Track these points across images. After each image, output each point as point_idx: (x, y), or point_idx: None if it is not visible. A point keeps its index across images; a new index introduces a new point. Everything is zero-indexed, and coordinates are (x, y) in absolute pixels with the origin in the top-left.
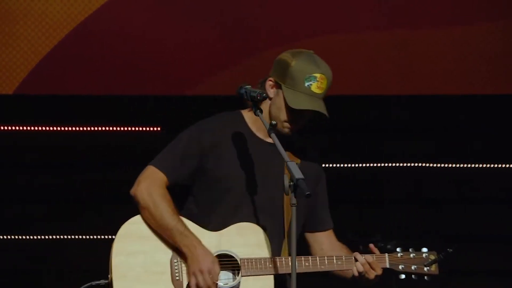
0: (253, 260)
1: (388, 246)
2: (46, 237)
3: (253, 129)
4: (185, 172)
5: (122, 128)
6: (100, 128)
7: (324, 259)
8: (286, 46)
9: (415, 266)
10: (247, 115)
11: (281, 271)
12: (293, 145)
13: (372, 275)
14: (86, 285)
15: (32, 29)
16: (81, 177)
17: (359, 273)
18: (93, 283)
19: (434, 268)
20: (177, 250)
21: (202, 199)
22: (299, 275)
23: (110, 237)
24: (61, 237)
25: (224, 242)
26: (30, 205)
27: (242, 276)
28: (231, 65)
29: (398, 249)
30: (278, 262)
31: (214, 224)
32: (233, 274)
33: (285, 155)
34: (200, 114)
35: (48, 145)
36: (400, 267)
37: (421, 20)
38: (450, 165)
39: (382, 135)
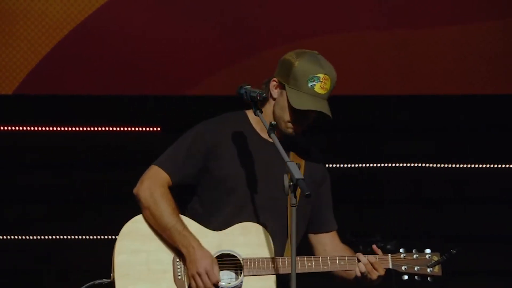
0: (256, 260)
1: (388, 246)
2: (46, 237)
3: (257, 129)
4: (189, 172)
5: (122, 128)
6: (100, 128)
7: (327, 260)
8: (286, 46)
9: (418, 267)
10: (252, 115)
11: (284, 271)
12: (298, 146)
13: (374, 275)
14: (88, 284)
15: (32, 29)
16: (81, 177)
17: (362, 273)
18: (96, 282)
19: (437, 269)
20: (179, 250)
21: (206, 198)
22: (302, 275)
23: (110, 237)
24: (61, 237)
25: (227, 242)
26: (30, 205)
27: (244, 275)
28: (231, 65)
29: (401, 250)
30: (280, 262)
31: (218, 223)
32: (236, 273)
33: (285, 155)
34: (200, 114)
35: (48, 145)
36: (403, 268)
37: (421, 20)
38: (450, 165)
39: (382, 135)
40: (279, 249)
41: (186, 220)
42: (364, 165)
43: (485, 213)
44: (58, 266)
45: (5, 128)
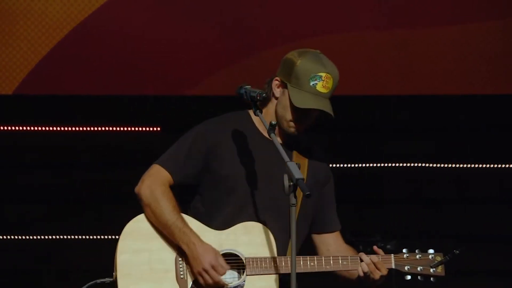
0: (258, 259)
1: (388, 246)
2: (46, 237)
3: (260, 128)
4: (189, 172)
5: (121, 128)
6: (99, 128)
7: (330, 259)
8: (286, 46)
9: (421, 267)
10: (259, 114)
11: (286, 270)
12: (301, 145)
13: (377, 275)
14: (90, 283)
15: (32, 29)
16: (81, 177)
17: (364, 273)
18: (98, 281)
19: (440, 270)
20: (181, 248)
21: (208, 198)
22: (304, 275)
23: (110, 237)
24: (61, 237)
25: (229, 241)
26: (30, 205)
27: (247, 275)
28: (230, 65)
29: (404, 250)
30: (283, 262)
31: (220, 223)
32: (238, 273)
33: (285, 155)
34: (199, 114)
35: (48, 145)
36: (406, 268)
37: (421, 20)
38: (450, 165)
39: (382, 135)
40: (281, 249)
41: (189, 219)
42: (364, 165)
43: (485, 213)
44: (58, 266)
45: (5, 128)
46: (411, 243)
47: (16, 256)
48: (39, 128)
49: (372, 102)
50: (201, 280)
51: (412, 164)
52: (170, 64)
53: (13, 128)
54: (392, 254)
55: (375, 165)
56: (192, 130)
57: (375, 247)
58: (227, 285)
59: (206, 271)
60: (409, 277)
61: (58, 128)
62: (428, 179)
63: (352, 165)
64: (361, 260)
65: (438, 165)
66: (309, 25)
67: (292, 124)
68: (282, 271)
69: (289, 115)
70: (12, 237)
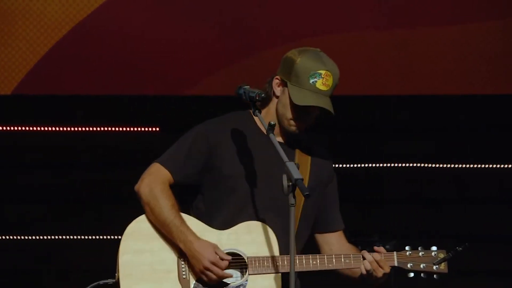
0: (261, 258)
1: (387, 247)
2: (46, 237)
3: (262, 128)
4: (190, 172)
5: (120, 128)
6: (99, 128)
7: (332, 258)
8: (286, 46)
9: (424, 265)
10: (258, 115)
11: (289, 269)
12: (304, 144)
13: (380, 273)
14: (93, 284)
15: (31, 29)
16: (81, 177)
17: (367, 271)
18: (101, 282)
19: (443, 267)
20: (177, 245)
21: (209, 198)
22: (307, 273)
23: (110, 237)
24: (61, 237)
25: (231, 241)
26: (30, 205)
27: (249, 274)
28: (230, 65)
29: (407, 248)
30: (285, 261)
31: (221, 222)
32: (241, 272)
33: (284, 155)
34: (199, 114)
35: (48, 145)
36: (408, 265)
37: (421, 20)
38: (450, 165)
39: (382, 135)
40: (283, 248)
41: (191, 219)
42: (364, 165)
43: (485, 213)
44: (58, 266)
45: (5, 128)
46: (411, 243)
47: (16, 256)
48: (39, 128)
49: (372, 102)
50: (205, 278)
51: (412, 164)
52: (169, 64)
53: (13, 128)
54: (395, 252)
55: (375, 165)
56: (192, 129)
57: (375, 248)
58: (231, 276)
59: (208, 269)
60: (412, 274)
61: (58, 128)
62: (428, 179)
63: (352, 165)
64: (364, 258)
65: (438, 165)
66: (309, 25)
67: (292, 122)
68: (285, 270)
69: (289, 113)
70: (12, 237)
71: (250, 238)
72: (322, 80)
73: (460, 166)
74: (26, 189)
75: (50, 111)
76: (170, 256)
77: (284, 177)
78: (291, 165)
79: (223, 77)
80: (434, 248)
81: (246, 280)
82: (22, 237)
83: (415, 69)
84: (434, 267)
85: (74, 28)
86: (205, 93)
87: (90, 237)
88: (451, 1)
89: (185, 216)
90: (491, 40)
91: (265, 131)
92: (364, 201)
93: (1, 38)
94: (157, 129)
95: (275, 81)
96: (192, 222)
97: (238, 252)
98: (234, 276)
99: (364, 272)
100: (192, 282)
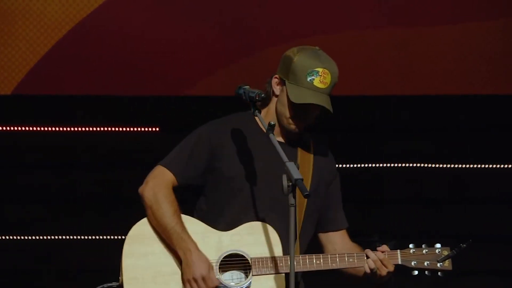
0: (264, 259)
1: None
2: (46, 237)
3: (263, 128)
4: (194, 173)
5: (120, 128)
6: (99, 128)
7: (336, 257)
8: (286, 46)
9: (428, 262)
10: (259, 115)
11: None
12: (306, 143)
13: (384, 271)
14: (97, 287)
15: (31, 29)
16: (81, 177)
17: (371, 270)
18: (105, 285)
19: (447, 264)
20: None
21: (212, 199)
22: (310, 273)
23: (110, 237)
24: (61, 237)
25: (234, 242)
26: (30, 205)
27: (253, 275)
28: (230, 65)
29: (410, 245)
30: (289, 261)
31: (225, 223)
32: (245, 273)
33: (284, 155)
34: (198, 114)
35: (48, 145)
36: (412, 263)
37: (421, 20)
38: (450, 165)
39: (382, 135)
40: (286, 248)
41: (194, 220)
42: (364, 165)
43: (485, 213)
44: (58, 266)
45: (5, 128)
46: (411, 243)
47: (16, 256)
48: (39, 128)
49: (372, 102)
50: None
51: (412, 164)
52: (169, 64)
53: (13, 128)
54: (398, 250)
55: (375, 165)
56: (195, 131)
57: (378, 248)
58: None
59: (196, 281)
60: (416, 272)
61: (58, 128)
62: (428, 179)
63: (352, 165)
64: (368, 257)
65: (438, 165)
66: (309, 25)
67: (291, 121)
68: (288, 270)
69: (288, 112)
70: (12, 237)
71: (253, 239)
72: (320, 78)
73: (460, 166)
74: (26, 189)
75: (50, 111)
76: (173, 258)
77: (284, 177)
78: (291, 165)
79: (223, 77)
80: (438, 245)
81: (250, 281)
82: (22, 237)
83: (415, 69)
84: (438, 265)
85: (74, 28)
86: (205, 93)
87: (90, 237)
88: (451, 1)
89: (187, 217)
90: (491, 40)
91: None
92: (364, 201)
93: (1, 38)
94: (157, 129)
95: (274, 80)
96: (195, 224)
97: (241, 253)
98: (238, 277)
99: (368, 271)
100: None
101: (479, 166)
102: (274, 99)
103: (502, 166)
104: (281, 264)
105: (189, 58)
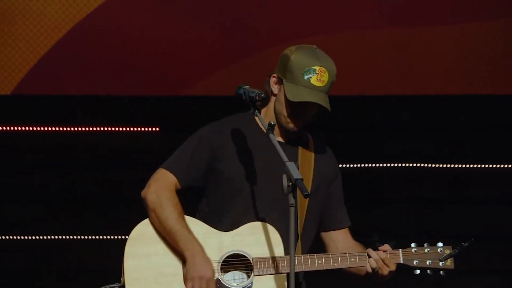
0: (266, 259)
1: None
2: (46, 237)
3: (263, 128)
4: (196, 175)
5: (120, 128)
6: (99, 128)
7: (337, 257)
8: (286, 46)
9: (430, 261)
10: (259, 115)
11: (294, 270)
12: (306, 142)
13: (385, 271)
14: None
15: (31, 29)
16: (81, 177)
17: (373, 269)
18: (107, 286)
19: (449, 263)
20: (182, 253)
21: (214, 200)
22: (312, 273)
23: (110, 237)
24: (61, 237)
25: (236, 242)
26: (30, 205)
27: (255, 275)
28: (230, 65)
29: (412, 244)
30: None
31: (226, 224)
32: (246, 273)
33: (283, 155)
34: (198, 115)
35: (48, 145)
36: (414, 262)
37: (421, 20)
38: (450, 165)
39: (382, 135)
40: (288, 249)
41: (196, 221)
42: (364, 165)
43: (485, 213)
44: (58, 266)
45: (5, 128)
46: (411, 243)
47: (16, 256)
48: (39, 128)
49: (372, 102)
50: (189, 285)
51: (412, 164)
52: (169, 64)
53: (13, 128)
54: (400, 249)
55: (375, 165)
56: (196, 133)
57: (380, 247)
58: None
59: (200, 279)
60: (418, 271)
61: (58, 128)
62: (428, 179)
63: (352, 165)
64: (369, 256)
65: (438, 165)
66: (309, 25)
67: (289, 120)
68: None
69: (286, 111)
70: (12, 237)
71: (254, 239)
72: (317, 76)
73: (460, 166)
74: (26, 189)
75: (50, 111)
76: (176, 259)
77: (284, 177)
78: (291, 165)
79: (223, 78)
80: (440, 244)
81: (252, 281)
82: (22, 237)
83: (415, 69)
84: (440, 263)
85: (74, 28)
86: (205, 93)
87: (90, 237)
88: (451, 1)
89: (189, 218)
90: (491, 40)
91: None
92: (364, 201)
93: (1, 38)
94: (157, 129)
95: (272, 79)
96: (197, 225)
97: (243, 254)
98: (239, 277)
99: (369, 270)
100: None
101: (479, 166)
102: (273, 99)
103: (502, 166)
104: (282, 264)
105: (189, 58)
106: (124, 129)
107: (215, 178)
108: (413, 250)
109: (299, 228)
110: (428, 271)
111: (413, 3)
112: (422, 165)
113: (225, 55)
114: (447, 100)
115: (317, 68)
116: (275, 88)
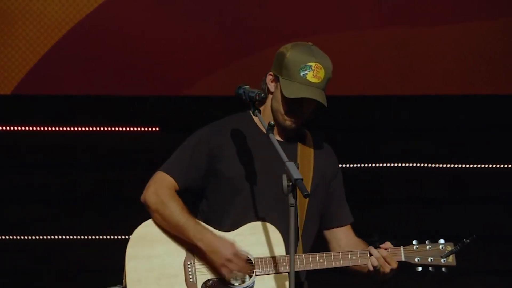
0: (267, 259)
1: None
2: (46, 237)
3: (262, 128)
4: (194, 176)
5: (120, 128)
6: (98, 128)
7: (339, 255)
8: None
9: (432, 258)
10: (258, 115)
11: (296, 269)
12: (306, 139)
13: (387, 269)
14: None
15: (31, 29)
16: (81, 177)
17: (374, 267)
18: None
19: (451, 259)
20: (190, 251)
21: (214, 200)
22: (314, 272)
23: (110, 237)
24: (61, 237)
25: (237, 242)
26: (30, 205)
27: (256, 275)
28: (230, 65)
29: (414, 242)
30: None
31: (226, 224)
32: (248, 273)
33: (283, 155)
34: (198, 114)
35: (48, 145)
36: (416, 259)
37: (421, 19)
38: (450, 165)
39: (382, 135)
40: (289, 249)
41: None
42: (364, 165)
43: (485, 213)
44: (57, 266)
45: (5, 128)
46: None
47: (16, 256)
48: (39, 128)
49: (372, 102)
50: (226, 271)
51: (412, 164)
52: (169, 64)
53: (13, 128)
54: (402, 246)
55: (375, 165)
56: (194, 134)
57: (381, 245)
58: (253, 267)
59: (230, 260)
60: (420, 268)
61: (58, 128)
62: (428, 179)
63: (352, 165)
64: (370, 254)
65: (438, 165)
66: (309, 24)
67: (286, 117)
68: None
69: (282, 108)
70: (12, 237)
71: (255, 239)
72: (313, 73)
73: (460, 166)
74: (26, 189)
75: (50, 111)
76: (176, 260)
77: (284, 177)
78: (290, 165)
79: (222, 77)
80: (441, 241)
81: (254, 281)
82: (22, 237)
83: (415, 69)
84: (442, 260)
85: (73, 28)
86: (205, 93)
87: (90, 237)
88: (451, 1)
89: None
90: (491, 40)
91: (265, 131)
92: (364, 201)
93: (1, 38)
94: (157, 129)
95: (269, 77)
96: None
97: (244, 253)
98: (241, 277)
99: (371, 268)
100: (199, 285)
101: (479, 166)
102: (270, 97)
103: (502, 166)
104: (284, 263)
105: (189, 58)
106: (124, 129)
107: (215, 179)
108: (414, 247)
109: (299, 228)
110: (430, 268)
111: (413, 3)
112: (422, 165)
113: (225, 54)
114: (447, 100)
115: (313, 64)
116: (271, 86)
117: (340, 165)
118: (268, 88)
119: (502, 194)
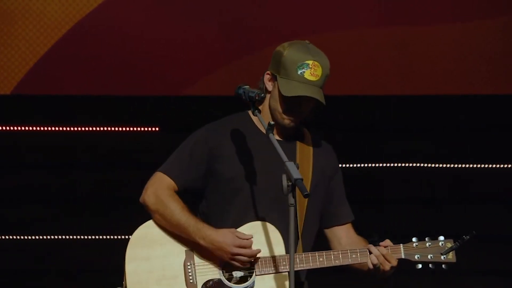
0: (267, 259)
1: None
2: (46, 237)
3: (261, 128)
4: (193, 176)
5: (120, 128)
6: (98, 128)
7: (339, 254)
8: None
9: (432, 255)
10: (258, 114)
11: (295, 268)
12: (305, 138)
13: (387, 267)
14: None
15: (30, 29)
16: (81, 177)
17: (374, 265)
18: None
19: (451, 256)
20: (190, 252)
21: (213, 200)
22: (315, 271)
23: (110, 237)
24: (61, 237)
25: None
26: (30, 205)
27: (256, 275)
28: (229, 65)
29: (413, 239)
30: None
31: (227, 224)
32: (248, 273)
33: (283, 154)
34: (198, 114)
35: (48, 145)
36: (415, 256)
37: (421, 19)
38: (450, 165)
39: (382, 135)
40: (288, 248)
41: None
42: (364, 165)
43: (485, 213)
44: (57, 266)
45: (5, 128)
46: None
47: (16, 256)
48: (39, 128)
49: (372, 102)
50: (236, 264)
51: (412, 164)
52: (168, 64)
53: (13, 128)
54: (401, 244)
55: (375, 165)
56: (193, 134)
57: (381, 243)
58: (259, 251)
59: (236, 254)
60: (419, 266)
61: (58, 128)
62: (428, 179)
63: (352, 165)
64: (370, 253)
65: (438, 165)
66: (309, 24)
67: (284, 116)
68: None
69: (280, 107)
70: (12, 237)
71: (255, 239)
72: (311, 71)
73: (460, 166)
74: (26, 189)
75: (50, 111)
76: (176, 261)
77: (284, 177)
78: (290, 165)
79: (222, 77)
80: (441, 238)
81: (254, 281)
82: (22, 237)
83: (415, 69)
84: (442, 257)
85: (73, 28)
86: (205, 93)
87: (90, 237)
88: (451, 1)
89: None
90: (491, 40)
91: (264, 131)
92: (363, 201)
93: (1, 38)
94: (157, 129)
95: (266, 76)
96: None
97: None
98: (241, 277)
99: (371, 266)
100: (200, 285)
101: (479, 166)
102: (268, 96)
103: (502, 166)
104: (284, 263)
105: (188, 58)
106: (124, 129)
107: (214, 179)
108: (414, 244)
109: (299, 228)
110: (430, 265)
111: (413, 3)
112: (422, 165)
113: (225, 54)
114: (447, 100)
115: (310, 62)
116: (269, 85)
117: (340, 165)
118: (266, 87)
119: (502, 194)
